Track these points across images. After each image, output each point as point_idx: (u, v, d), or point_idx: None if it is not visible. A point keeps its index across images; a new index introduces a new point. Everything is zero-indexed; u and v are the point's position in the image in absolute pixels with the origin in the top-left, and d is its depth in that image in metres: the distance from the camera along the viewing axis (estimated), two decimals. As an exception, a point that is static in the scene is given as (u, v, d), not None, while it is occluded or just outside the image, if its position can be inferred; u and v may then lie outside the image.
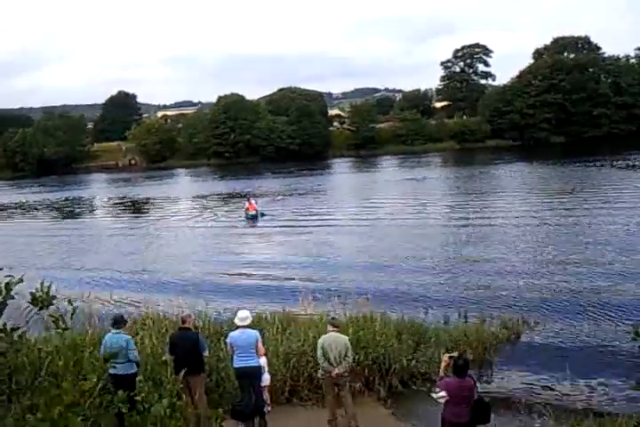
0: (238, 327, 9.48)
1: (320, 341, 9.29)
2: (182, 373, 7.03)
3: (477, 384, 8.26)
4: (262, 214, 32.99)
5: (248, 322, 9.56)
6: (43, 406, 3.14)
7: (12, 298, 3.65)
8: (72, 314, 3.60)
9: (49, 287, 3.54)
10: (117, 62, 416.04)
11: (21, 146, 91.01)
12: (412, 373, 10.78)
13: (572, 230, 23.69)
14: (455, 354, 8.07)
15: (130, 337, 9.41)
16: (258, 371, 9.36)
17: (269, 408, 9.57)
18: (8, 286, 3.57)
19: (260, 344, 9.33)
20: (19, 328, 3.75)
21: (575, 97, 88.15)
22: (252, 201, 33.43)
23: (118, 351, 7.73)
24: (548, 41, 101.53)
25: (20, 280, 3.63)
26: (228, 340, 9.64)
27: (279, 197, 41.57)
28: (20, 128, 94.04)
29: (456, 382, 7.56)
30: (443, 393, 7.58)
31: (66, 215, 42.15)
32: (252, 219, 32.38)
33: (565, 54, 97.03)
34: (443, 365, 7.92)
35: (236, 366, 9.43)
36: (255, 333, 9.47)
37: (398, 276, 18.66)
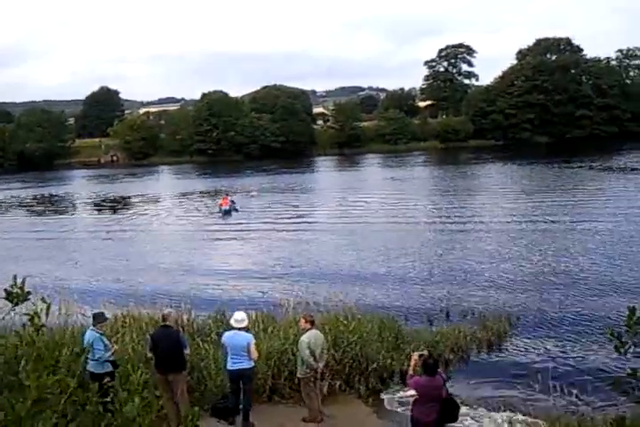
0: (233, 329, 9.41)
1: (305, 340, 9.21)
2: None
3: (449, 383, 8.28)
4: (235, 209, 33.76)
5: (244, 324, 9.46)
6: (7, 403, 3.08)
7: None
8: (47, 310, 3.53)
9: (23, 282, 3.47)
10: (100, 58, 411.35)
11: (1, 141, 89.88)
12: (391, 371, 10.80)
13: (552, 231, 23.91)
14: (425, 353, 8.09)
15: (99, 335, 9.19)
16: (249, 373, 9.32)
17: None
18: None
19: (252, 348, 9.22)
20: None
21: (558, 98, 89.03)
22: (227, 197, 34.43)
23: (87, 347, 7.61)
24: (530, 42, 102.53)
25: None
26: (222, 340, 9.58)
27: (253, 193, 42.32)
28: (1, 123, 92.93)
29: (425, 381, 7.58)
30: (412, 391, 7.61)
31: (42, 212, 41.57)
32: (226, 214, 33.23)
33: (548, 55, 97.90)
34: (412, 363, 7.94)
35: (228, 368, 9.39)
36: (248, 336, 9.36)
37: (378, 274, 18.72)
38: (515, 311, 14.45)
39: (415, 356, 7.98)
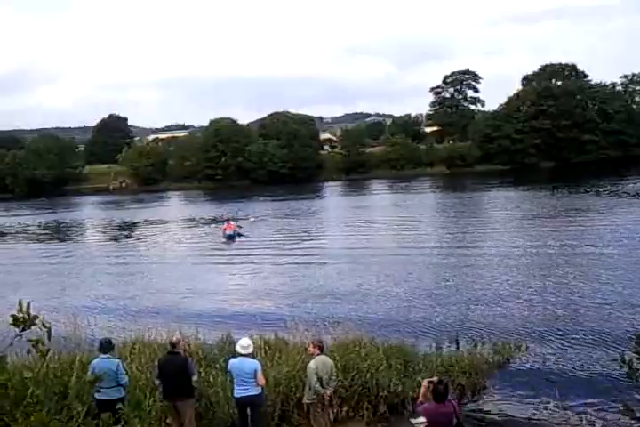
0: (239, 355, 9.36)
1: (312, 366, 9.17)
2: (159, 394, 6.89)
3: (466, 409, 8.17)
4: (239, 234, 34.54)
5: (250, 350, 9.45)
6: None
7: None
8: (49, 336, 3.53)
9: (28, 306, 3.48)
10: (109, 85, 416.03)
11: (12, 168, 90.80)
12: (400, 398, 10.66)
13: (558, 257, 23.65)
14: (435, 379, 8.00)
15: (119, 361, 9.28)
16: (256, 400, 9.21)
17: None
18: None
19: (259, 375, 9.16)
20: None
21: (563, 123, 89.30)
22: (231, 222, 35.43)
23: (104, 375, 7.59)
24: (536, 68, 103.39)
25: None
26: (228, 367, 9.53)
27: (252, 219, 42.91)
28: (12, 150, 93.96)
29: (435, 408, 7.47)
30: (422, 419, 7.50)
31: (49, 239, 41.72)
32: (229, 238, 33.93)
33: (553, 81, 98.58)
34: (422, 390, 7.84)
35: (234, 395, 9.30)
36: (255, 362, 9.32)
37: (387, 301, 18.59)
38: (525, 337, 14.32)
39: (425, 383, 7.89)
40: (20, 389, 3.76)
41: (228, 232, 34.26)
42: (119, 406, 7.38)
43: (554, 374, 12.33)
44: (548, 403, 10.87)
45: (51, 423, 3.37)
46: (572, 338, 14.31)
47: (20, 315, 3.55)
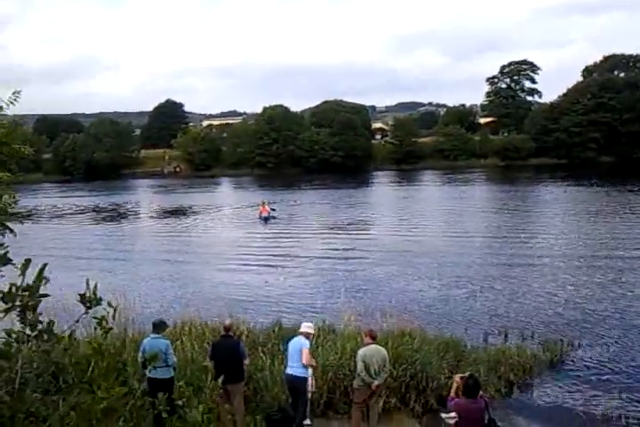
0: (299, 334, 9.81)
1: (361, 353, 9.24)
2: (221, 379, 7.01)
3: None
4: (273, 217, 36.54)
5: (311, 330, 9.93)
6: (85, 407, 3.19)
7: (46, 296, 3.67)
8: (114, 316, 3.66)
9: (95, 286, 3.60)
10: (166, 71, 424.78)
11: (72, 151, 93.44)
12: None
13: (614, 258, 22.94)
14: (467, 374, 7.97)
15: (169, 342, 9.51)
16: (300, 381, 9.34)
17: (308, 421, 9.50)
18: (40, 277, 3.58)
19: (305, 353, 9.33)
20: (52, 323, 3.77)
21: (625, 116, 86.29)
22: (266, 205, 37.38)
23: (157, 355, 7.79)
24: (597, 59, 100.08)
25: (47, 279, 3.63)
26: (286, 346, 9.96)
27: (296, 202, 46.69)
28: (72, 133, 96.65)
29: (466, 404, 7.46)
30: (452, 414, 7.51)
31: (101, 221, 42.68)
32: (265, 220, 36.11)
33: (615, 73, 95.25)
34: (454, 385, 7.84)
35: (284, 372, 9.67)
36: (304, 341, 9.55)
37: (438, 293, 18.49)
38: (579, 334, 14.07)
39: (457, 378, 7.90)
40: (84, 363, 3.89)
41: (263, 215, 36.48)
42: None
43: (608, 372, 12.04)
44: (601, 403, 10.63)
45: (114, 400, 3.47)
46: (631, 335, 13.94)
47: (88, 294, 3.67)
